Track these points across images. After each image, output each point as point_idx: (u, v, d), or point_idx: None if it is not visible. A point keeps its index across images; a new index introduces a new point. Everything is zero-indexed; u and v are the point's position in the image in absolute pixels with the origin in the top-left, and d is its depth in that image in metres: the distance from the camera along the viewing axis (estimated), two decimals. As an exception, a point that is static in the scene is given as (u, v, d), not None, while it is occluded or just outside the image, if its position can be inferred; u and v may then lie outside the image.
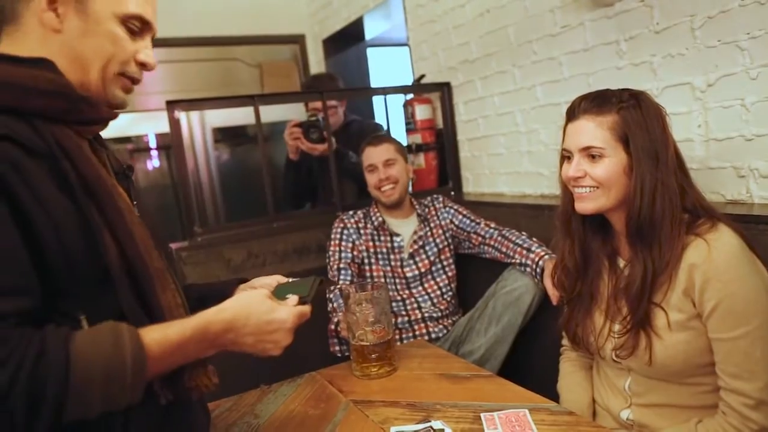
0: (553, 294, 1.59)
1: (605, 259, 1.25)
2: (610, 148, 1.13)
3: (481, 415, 1.12)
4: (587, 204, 1.18)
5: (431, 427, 1.10)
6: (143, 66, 0.93)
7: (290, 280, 1.16)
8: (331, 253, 2.02)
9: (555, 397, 1.33)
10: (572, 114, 1.20)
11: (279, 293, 1.00)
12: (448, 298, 2.05)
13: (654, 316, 1.12)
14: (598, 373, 1.32)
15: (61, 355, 0.69)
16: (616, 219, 1.20)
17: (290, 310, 0.93)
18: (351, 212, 2.12)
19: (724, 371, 1.07)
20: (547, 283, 1.65)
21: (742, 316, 1.04)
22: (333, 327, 1.84)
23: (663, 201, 1.10)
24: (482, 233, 2.06)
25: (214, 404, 1.27)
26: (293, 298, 0.97)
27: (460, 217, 2.13)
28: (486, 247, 2.05)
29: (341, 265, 1.97)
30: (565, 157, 1.22)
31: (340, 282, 1.92)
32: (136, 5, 0.89)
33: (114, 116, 0.94)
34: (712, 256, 1.05)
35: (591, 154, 1.15)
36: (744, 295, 1.04)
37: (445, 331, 1.98)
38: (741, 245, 1.07)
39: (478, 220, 2.10)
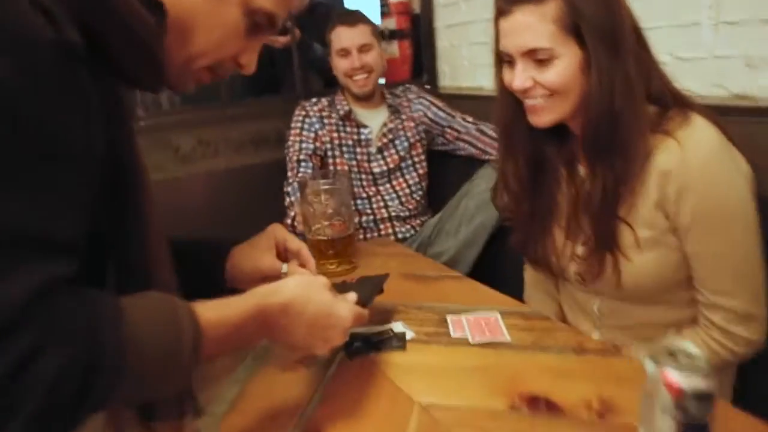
0: None
1: (562, 167, 1.06)
2: (560, 46, 0.91)
3: (447, 317, 1.01)
4: (544, 117, 0.98)
5: (391, 329, 0.98)
6: (239, 67, 0.73)
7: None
8: (290, 143, 1.83)
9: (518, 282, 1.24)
10: (502, 7, 0.95)
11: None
12: (418, 198, 1.90)
13: (620, 235, 0.97)
14: (564, 292, 1.20)
15: (115, 335, 0.53)
16: (575, 124, 1.01)
17: (352, 308, 0.79)
18: (314, 99, 1.90)
19: (706, 287, 0.95)
20: None
21: (725, 227, 0.91)
22: (289, 222, 1.69)
23: (623, 95, 0.90)
24: (458, 128, 1.89)
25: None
26: (352, 296, 0.83)
27: (435, 109, 1.94)
28: (461, 143, 1.89)
29: (301, 157, 1.79)
30: (505, 61, 1.00)
31: (300, 175, 1.75)
32: (272, 1, 0.70)
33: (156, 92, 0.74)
34: (686, 159, 0.89)
35: (537, 58, 0.93)
36: (725, 203, 0.90)
37: (412, 232, 1.86)
38: (720, 140, 0.90)
39: (453, 114, 1.92)
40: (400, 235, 1.84)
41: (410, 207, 1.88)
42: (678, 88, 0.97)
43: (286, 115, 1.88)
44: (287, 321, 0.73)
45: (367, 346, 0.94)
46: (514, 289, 1.24)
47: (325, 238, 1.22)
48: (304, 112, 1.86)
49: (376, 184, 1.87)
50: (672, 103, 0.94)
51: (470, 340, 0.93)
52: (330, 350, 0.79)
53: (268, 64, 2.26)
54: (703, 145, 0.89)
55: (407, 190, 1.89)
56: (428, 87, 2.34)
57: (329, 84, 2.05)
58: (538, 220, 1.10)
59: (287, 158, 1.81)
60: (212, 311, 0.65)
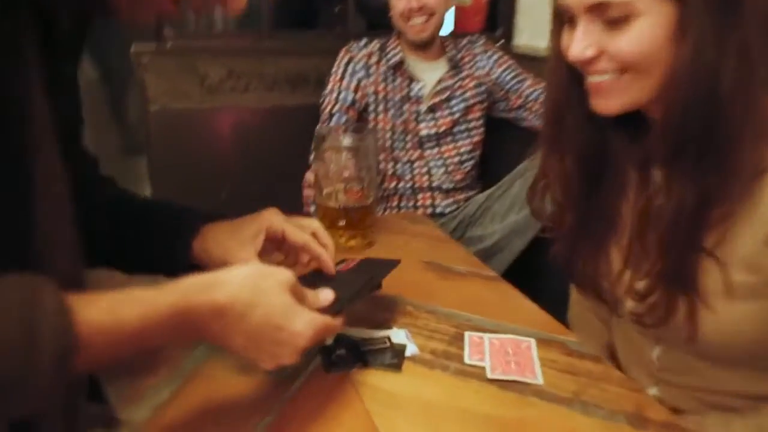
0: None
1: (633, 170, 0.77)
2: (641, 0, 0.63)
3: (466, 334, 0.77)
4: (612, 100, 0.69)
5: (389, 338, 0.76)
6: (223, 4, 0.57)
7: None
8: (328, 90, 1.60)
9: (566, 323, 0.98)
10: None
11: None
12: (467, 168, 1.64)
13: (703, 274, 0.69)
14: (618, 325, 0.90)
15: None
16: (656, 110, 0.71)
17: (312, 321, 0.57)
18: (364, 41, 1.65)
19: None
20: None
21: None
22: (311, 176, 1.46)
23: (735, 77, 0.62)
24: (526, 94, 1.60)
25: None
26: (327, 295, 0.62)
27: (503, 69, 1.65)
28: (526, 113, 1.61)
29: (336, 109, 1.56)
30: (563, 21, 0.71)
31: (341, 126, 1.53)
32: None
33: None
34: None
35: (609, 18, 0.65)
36: None
37: (454, 207, 1.61)
38: None
39: (524, 77, 1.63)
40: (439, 209, 1.60)
41: (457, 178, 1.62)
42: None
43: (330, 55, 1.64)
44: (220, 326, 0.53)
45: (351, 356, 0.72)
46: (559, 303, 0.98)
47: (337, 205, 1.00)
48: (349, 56, 1.62)
49: (421, 148, 1.62)
50: None
51: (488, 372, 0.70)
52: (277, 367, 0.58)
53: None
54: None
55: (456, 159, 1.63)
56: (501, 42, 2.04)
57: (373, 26, 1.77)
58: (588, 234, 0.81)
59: (321, 108, 1.58)
60: (105, 311, 0.46)
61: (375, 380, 0.68)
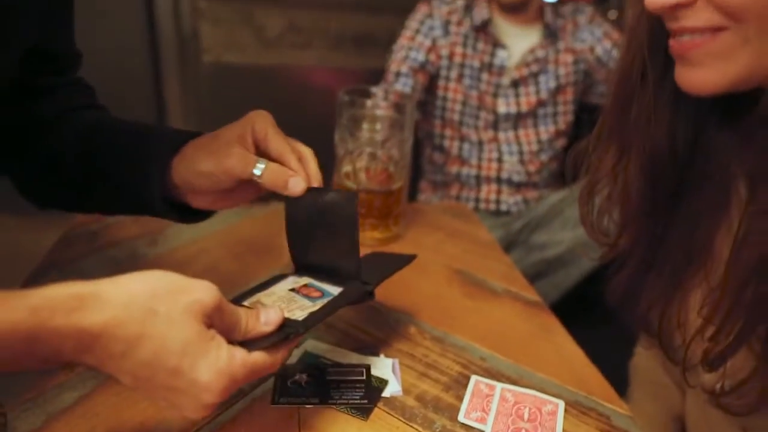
0: None
1: (737, 178, 0.52)
2: None
3: (473, 378, 0.58)
4: (705, 72, 0.46)
5: (368, 367, 0.58)
6: None
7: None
8: (397, 47, 1.40)
9: (622, 383, 0.74)
10: None
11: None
12: (545, 159, 1.40)
13: None
14: (694, 394, 0.64)
15: None
16: None
17: (227, 368, 0.40)
18: (448, -5, 1.43)
19: None
20: None
21: None
22: None
23: None
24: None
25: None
26: (272, 316, 0.45)
27: (608, 45, 1.37)
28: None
29: (403, 69, 1.36)
30: None
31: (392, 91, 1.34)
32: None
33: None
34: None
35: None
36: None
37: (522, 207, 1.37)
38: None
39: (634, 56, 1.34)
40: (504, 206, 1.38)
41: (531, 170, 1.38)
42: None
43: (405, 13, 1.44)
44: (96, 361, 0.38)
45: (312, 385, 0.55)
46: (623, 351, 0.75)
47: (355, 186, 0.82)
48: (427, 10, 1.41)
49: (495, 129, 1.39)
50: None
51: (485, 444, 0.51)
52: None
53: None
54: None
55: (535, 147, 1.39)
56: (614, 17, 1.72)
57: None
58: (660, 269, 0.58)
59: (386, 65, 1.39)
60: None
61: (330, 426, 0.51)
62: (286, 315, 0.46)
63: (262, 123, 0.57)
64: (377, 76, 1.46)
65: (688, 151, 0.55)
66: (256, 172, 0.54)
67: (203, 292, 0.40)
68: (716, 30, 0.45)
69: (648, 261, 0.60)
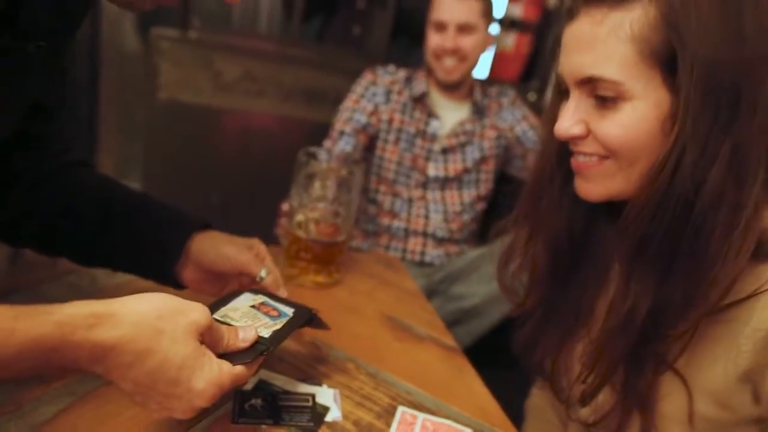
0: None
1: (614, 260, 0.70)
2: (635, 81, 0.56)
3: (399, 409, 0.70)
4: (594, 186, 0.63)
5: (314, 396, 0.69)
6: None
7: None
8: (342, 108, 1.54)
9: (519, 418, 0.89)
10: (570, 6, 0.60)
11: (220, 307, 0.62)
12: (467, 220, 1.57)
13: (666, 394, 0.62)
14: (574, 428, 0.81)
15: None
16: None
17: (217, 378, 0.50)
18: (392, 68, 1.60)
19: None
20: None
21: None
22: (287, 207, 1.39)
23: (723, 187, 0.54)
24: (544, 156, 1.53)
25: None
26: (249, 332, 0.56)
27: (526, 126, 1.58)
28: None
29: (347, 129, 1.50)
30: (562, 92, 0.65)
31: (336, 151, 1.47)
32: None
33: None
34: None
35: (599, 93, 0.59)
36: None
37: (444, 259, 1.53)
38: None
39: (546, 138, 1.56)
40: (428, 258, 1.53)
41: (453, 227, 1.55)
42: None
43: (355, 76, 1.59)
44: (104, 369, 0.47)
45: (266, 408, 0.65)
46: (521, 386, 0.90)
47: (305, 235, 0.93)
48: (372, 77, 1.57)
49: (424, 188, 1.55)
50: None
51: (408, 462, 0.62)
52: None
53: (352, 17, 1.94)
54: None
55: (458, 207, 1.56)
56: (534, 99, 1.97)
57: (402, 40, 1.71)
58: (555, 325, 0.74)
59: (332, 124, 1.53)
60: None
61: (280, 444, 0.61)
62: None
63: (264, 248, 0.74)
64: (323, 129, 1.59)
65: (581, 237, 0.71)
66: (262, 274, 0.70)
67: (199, 313, 0.50)
68: (603, 157, 0.61)
69: (546, 318, 0.75)
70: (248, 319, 0.60)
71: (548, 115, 0.69)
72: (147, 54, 1.44)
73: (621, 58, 0.56)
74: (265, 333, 0.58)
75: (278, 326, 0.60)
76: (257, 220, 1.45)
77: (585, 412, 0.70)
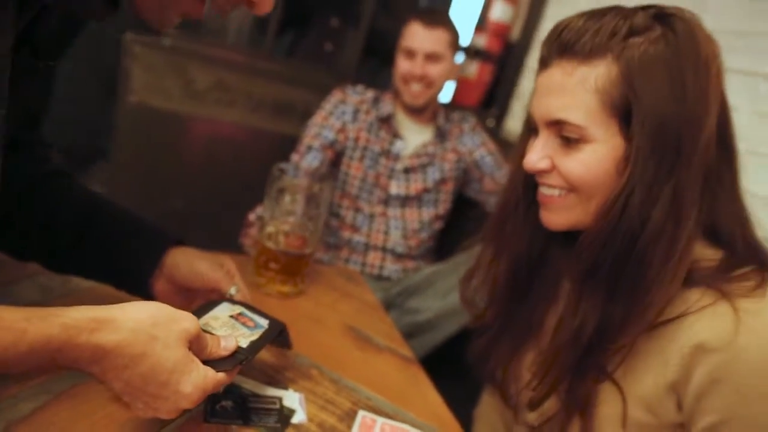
0: None
1: (564, 279, 0.80)
2: (596, 127, 0.65)
3: (360, 413, 0.75)
4: (556, 215, 0.72)
5: (281, 399, 0.73)
6: (250, 5, 0.55)
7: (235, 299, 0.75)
8: (311, 123, 1.60)
9: (468, 424, 0.96)
10: (544, 56, 0.69)
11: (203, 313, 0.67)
12: (424, 237, 1.64)
13: (604, 399, 0.70)
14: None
15: None
16: None
17: (203, 382, 0.55)
18: (360, 88, 1.66)
19: None
20: None
21: None
22: (253, 217, 1.43)
23: (662, 224, 0.63)
24: (499, 181, 1.62)
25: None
26: (230, 342, 0.61)
27: (484, 152, 1.68)
28: (494, 200, 1.62)
29: (315, 144, 1.56)
30: (530, 129, 0.74)
31: (302, 165, 1.52)
32: None
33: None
34: (740, 341, 0.60)
35: (565, 134, 0.67)
36: None
37: (401, 274, 1.60)
38: None
39: (501, 165, 1.66)
40: (386, 272, 1.59)
41: (412, 244, 1.62)
42: (760, 242, 0.69)
43: (324, 92, 1.65)
44: (100, 369, 0.50)
45: (236, 409, 0.69)
46: (473, 393, 0.97)
47: (274, 247, 0.98)
48: (341, 96, 1.63)
49: (386, 205, 1.62)
50: (746, 256, 0.66)
51: (367, 462, 0.68)
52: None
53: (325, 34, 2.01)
54: None
55: (416, 225, 1.63)
56: (492, 125, 2.08)
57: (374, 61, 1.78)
58: (508, 336, 0.82)
59: (300, 138, 1.58)
60: None
61: (249, 443, 0.65)
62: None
63: (233, 266, 0.78)
64: (289, 141, 1.63)
65: (538, 259, 0.79)
66: (232, 291, 0.74)
67: (189, 322, 0.55)
68: (567, 191, 0.70)
69: (501, 330, 0.83)
70: (228, 328, 0.65)
71: (517, 150, 0.77)
72: (119, 57, 1.46)
73: (586, 106, 0.65)
74: (244, 343, 0.63)
75: (255, 337, 0.65)
76: (221, 226, 1.48)
77: (531, 416, 0.78)
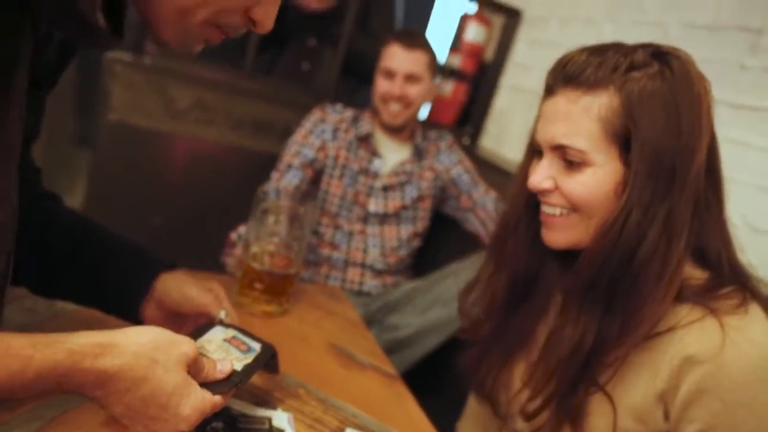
0: None
1: (559, 295, 0.83)
2: (597, 153, 0.71)
3: (347, 430, 0.77)
4: (557, 235, 0.76)
5: (270, 420, 0.75)
6: (252, 25, 0.57)
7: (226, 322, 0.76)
8: (291, 141, 1.62)
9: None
10: (550, 84, 0.75)
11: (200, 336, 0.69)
12: (403, 254, 1.67)
13: (594, 409, 0.74)
14: None
15: None
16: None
17: (201, 404, 0.57)
18: (339, 107, 1.70)
19: None
20: None
21: None
22: (236, 237, 1.45)
23: (657, 244, 0.68)
24: (475, 198, 1.67)
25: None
26: (225, 365, 0.63)
27: (460, 169, 1.72)
28: (472, 216, 1.67)
29: (295, 162, 1.58)
30: (534, 152, 0.79)
31: (283, 184, 1.53)
32: None
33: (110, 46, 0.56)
34: (725, 354, 0.65)
35: (568, 158, 0.72)
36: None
37: (381, 290, 1.62)
38: None
39: (477, 182, 1.70)
40: (366, 288, 1.61)
41: (390, 261, 1.65)
42: (743, 264, 0.75)
43: (302, 111, 1.68)
44: (103, 393, 0.52)
45: (226, 431, 0.70)
46: (455, 407, 1.00)
47: (259, 267, 1.00)
48: (321, 115, 1.66)
49: (365, 223, 1.65)
50: (730, 278, 0.72)
51: (355, 479, 0.70)
52: None
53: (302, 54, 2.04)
54: (757, 347, 0.66)
55: (395, 243, 1.66)
56: (467, 143, 2.13)
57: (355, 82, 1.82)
58: (501, 346, 0.86)
59: (280, 157, 1.60)
60: None
61: (240, 463, 0.67)
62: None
63: (222, 291, 0.80)
64: (268, 159, 1.65)
65: (534, 274, 0.83)
66: (221, 315, 0.75)
67: (188, 346, 0.57)
68: (568, 210, 0.74)
69: (493, 340, 0.87)
70: (222, 352, 0.66)
71: (520, 171, 0.82)
72: (100, 76, 1.46)
73: (588, 133, 0.70)
74: (238, 366, 0.65)
75: (248, 360, 0.67)
76: (200, 244, 1.49)
77: (521, 425, 0.81)
